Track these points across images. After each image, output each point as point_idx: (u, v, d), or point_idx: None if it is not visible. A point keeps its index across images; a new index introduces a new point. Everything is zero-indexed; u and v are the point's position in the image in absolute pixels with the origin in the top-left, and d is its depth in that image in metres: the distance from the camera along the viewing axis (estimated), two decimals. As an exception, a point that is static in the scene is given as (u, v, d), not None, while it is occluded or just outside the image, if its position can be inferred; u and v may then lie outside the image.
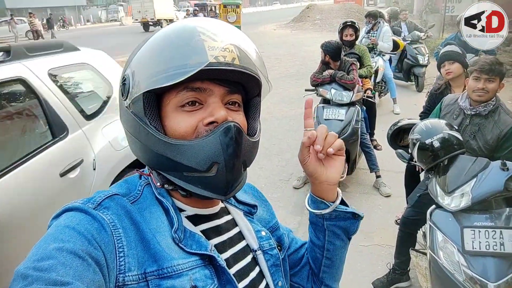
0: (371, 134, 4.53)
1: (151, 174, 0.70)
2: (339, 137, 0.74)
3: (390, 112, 6.22)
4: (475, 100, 2.22)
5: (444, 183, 1.96)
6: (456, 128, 2.12)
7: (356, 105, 3.68)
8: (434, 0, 14.76)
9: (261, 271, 0.76)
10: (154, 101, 0.63)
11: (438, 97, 2.94)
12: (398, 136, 2.75)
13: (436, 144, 2.00)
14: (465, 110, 2.27)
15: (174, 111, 0.63)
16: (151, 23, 24.73)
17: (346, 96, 3.60)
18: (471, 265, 1.75)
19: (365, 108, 4.14)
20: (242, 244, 0.75)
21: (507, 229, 1.74)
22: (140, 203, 0.65)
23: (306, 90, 3.97)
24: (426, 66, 7.11)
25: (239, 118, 0.66)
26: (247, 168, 0.70)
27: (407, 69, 7.33)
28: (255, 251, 0.76)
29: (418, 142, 2.08)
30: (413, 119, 2.77)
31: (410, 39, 7.23)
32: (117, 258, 0.56)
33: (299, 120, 5.90)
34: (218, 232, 0.72)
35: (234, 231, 0.75)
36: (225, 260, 0.67)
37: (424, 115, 2.98)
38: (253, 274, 0.74)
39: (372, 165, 3.89)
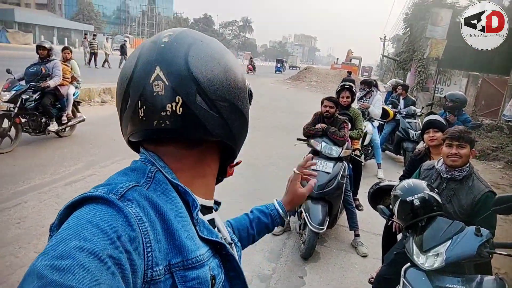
0: (355, 193, 4.61)
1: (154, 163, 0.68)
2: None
3: (374, 176, 6.37)
4: (450, 165, 2.34)
5: (421, 242, 2.02)
6: (436, 190, 2.22)
7: (344, 161, 3.80)
8: (425, 80, 15.65)
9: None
10: None
11: (417, 162, 3.07)
12: (378, 197, 2.84)
13: (417, 202, 2.09)
14: (441, 174, 2.39)
15: None
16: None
17: (335, 151, 3.73)
18: (440, 326, 1.77)
19: (351, 166, 4.26)
20: None
21: (477, 295, 1.78)
22: (154, 188, 0.62)
23: (297, 139, 4.10)
24: (417, 142, 6.77)
25: None
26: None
27: (397, 142, 7.24)
28: (230, 244, 0.80)
29: (400, 198, 2.16)
30: (393, 181, 2.89)
31: (405, 113, 7.21)
32: (145, 253, 0.54)
33: (285, 169, 5.96)
34: (212, 225, 0.75)
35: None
36: None
37: (403, 178, 3.07)
38: None
39: (353, 223, 3.92)
